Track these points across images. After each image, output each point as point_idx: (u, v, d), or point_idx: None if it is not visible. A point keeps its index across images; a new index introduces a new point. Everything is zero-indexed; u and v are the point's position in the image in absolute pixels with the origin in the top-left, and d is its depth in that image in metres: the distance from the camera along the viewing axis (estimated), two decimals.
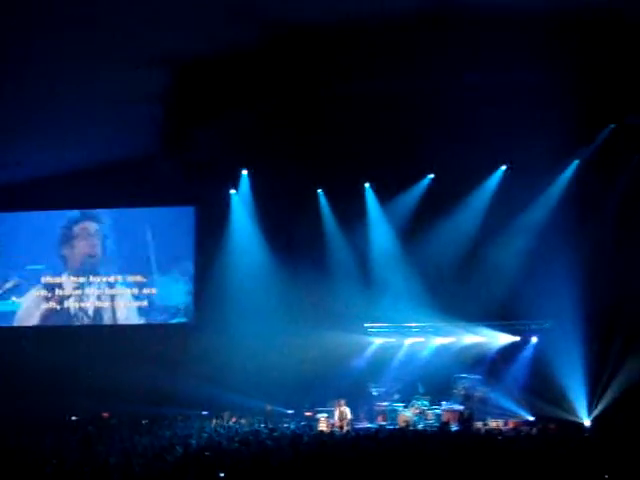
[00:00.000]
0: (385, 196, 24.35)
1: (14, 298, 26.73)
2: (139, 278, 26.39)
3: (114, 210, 26.72)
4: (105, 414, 19.92)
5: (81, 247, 26.85)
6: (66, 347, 24.94)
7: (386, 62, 18.67)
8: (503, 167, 23.55)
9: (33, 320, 26.70)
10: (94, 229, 26.89)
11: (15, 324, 26.71)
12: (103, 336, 25.62)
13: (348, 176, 23.26)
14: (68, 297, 26.64)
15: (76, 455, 14.09)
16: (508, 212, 23.00)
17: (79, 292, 26.67)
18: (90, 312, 26.55)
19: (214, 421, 21.70)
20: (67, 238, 26.88)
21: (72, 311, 26.64)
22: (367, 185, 24.66)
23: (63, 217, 26.93)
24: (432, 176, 24.05)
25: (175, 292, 26.26)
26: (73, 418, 19.80)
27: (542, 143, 21.02)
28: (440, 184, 23.67)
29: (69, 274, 26.74)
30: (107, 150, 23.42)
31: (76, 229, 26.89)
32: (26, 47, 16.46)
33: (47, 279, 26.73)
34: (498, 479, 10.80)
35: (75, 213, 26.93)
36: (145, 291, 26.34)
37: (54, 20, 15.58)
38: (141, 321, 26.36)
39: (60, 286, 26.67)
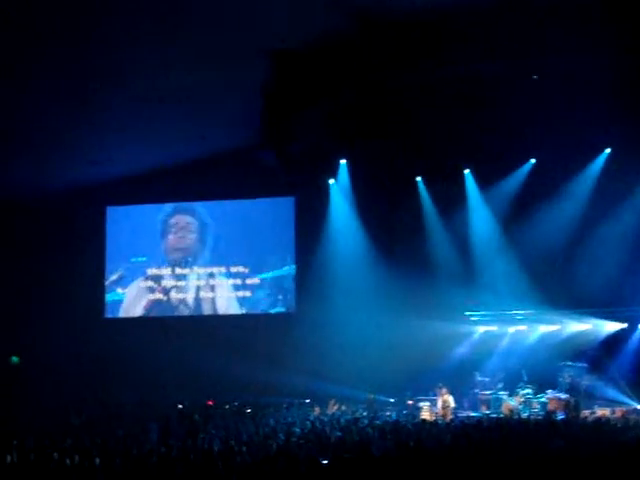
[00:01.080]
0: (485, 182, 24.02)
1: (119, 289, 27.45)
2: (240, 269, 26.72)
3: (214, 202, 27.12)
4: (210, 402, 20.22)
5: (174, 241, 27.37)
6: (170, 338, 25.47)
7: (480, 46, 18.35)
8: (607, 150, 22.90)
9: (137, 311, 27.39)
10: (186, 222, 27.35)
11: (120, 315, 27.43)
12: (206, 326, 26.03)
13: (447, 163, 23.10)
14: (169, 288, 27.20)
15: (182, 443, 14.35)
16: (613, 196, 22.42)
17: (179, 283, 27.22)
18: (190, 303, 27.06)
19: (317, 409, 21.81)
20: (164, 232, 27.46)
21: (173, 302, 27.22)
22: (467, 171, 24.36)
23: (160, 212, 27.51)
24: (534, 161, 23.57)
25: (276, 282, 26.49)
26: (179, 407, 20.15)
27: None
28: (542, 169, 23.19)
29: (169, 266, 27.29)
30: (208, 143, 23.73)
31: (171, 222, 27.44)
32: (126, 42, 16.78)
33: (150, 271, 27.37)
34: (609, 469, 10.52)
35: (171, 207, 27.47)
36: (247, 281, 26.64)
37: (154, 13, 15.87)
38: (242, 311, 26.74)
39: (161, 278, 27.28)
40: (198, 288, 27.04)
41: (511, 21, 17.56)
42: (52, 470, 10.99)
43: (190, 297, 27.06)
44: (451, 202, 24.11)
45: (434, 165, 23.24)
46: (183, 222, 27.38)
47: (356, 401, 22.49)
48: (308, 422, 17.66)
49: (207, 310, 26.97)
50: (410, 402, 22.56)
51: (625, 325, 23.04)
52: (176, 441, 14.50)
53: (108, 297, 27.47)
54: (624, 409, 21.00)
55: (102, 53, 17.06)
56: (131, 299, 27.38)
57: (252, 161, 23.16)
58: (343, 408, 21.98)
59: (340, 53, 18.69)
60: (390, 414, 20.75)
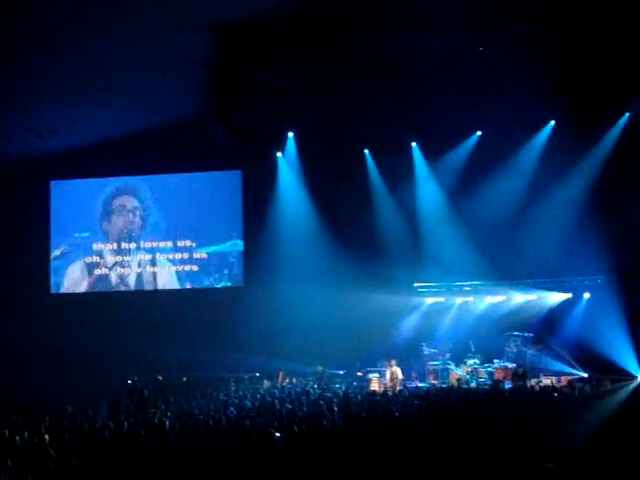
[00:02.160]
0: (432, 154, 24.16)
1: (62, 266, 27.11)
2: (187, 243, 26.57)
3: (160, 176, 26.86)
4: (159, 377, 20.14)
5: (119, 223, 27.10)
6: (114, 314, 25.25)
7: (425, 19, 18.36)
8: (552, 122, 23.14)
9: (80, 287, 27.10)
10: (132, 205, 27.08)
11: (63, 291, 27.14)
12: (154, 302, 25.86)
13: (395, 135, 23.11)
14: (114, 264, 26.97)
15: (132, 418, 14.31)
16: (557, 167, 22.66)
17: (124, 259, 26.99)
18: (135, 278, 26.86)
19: (266, 382, 21.87)
20: (107, 213, 27.17)
21: (116, 278, 26.98)
22: (414, 144, 24.46)
23: (104, 188, 27.20)
24: (480, 133, 23.75)
25: (223, 257, 26.41)
26: (129, 382, 20.05)
27: (590, 97, 20.69)
28: (488, 141, 23.36)
29: (113, 241, 27.05)
30: (154, 116, 23.46)
31: (114, 205, 27.15)
32: (70, 10, 16.44)
33: (94, 246, 27.08)
34: (554, 435, 10.74)
35: (114, 187, 27.14)
36: (194, 256, 26.51)
37: None
38: (189, 286, 26.59)
39: (105, 253, 27.03)
40: (143, 263, 26.84)
41: None
42: (1, 447, 10.88)
43: (134, 273, 26.85)
44: (398, 174, 24.19)
45: (381, 138, 23.26)
46: (128, 204, 27.07)
47: (305, 374, 22.58)
48: (258, 395, 17.70)
49: (152, 285, 26.80)
50: (359, 374, 22.75)
51: (570, 295, 23.38)
52: (126, 417, 14.45)
53: (52, 273, 27.12)
54: (569, 378, 21.39)
55: (46, 22, 16.67)
56: (75, 275, 27.08)
57: (199, 134, 22.95)
58: (294, 381, 22.06)
59: (287, 25, 18.51)
60: (339, 386, 20.87)
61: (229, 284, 26.39)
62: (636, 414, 12.78)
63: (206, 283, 26.54)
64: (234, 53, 19.16)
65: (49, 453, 10.39)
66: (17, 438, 11.35)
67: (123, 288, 26.87)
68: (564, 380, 21.22)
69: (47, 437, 11.59)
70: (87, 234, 27.06)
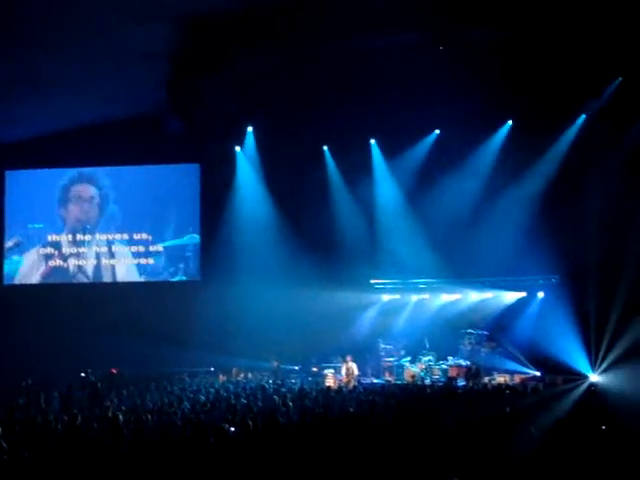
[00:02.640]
0: (391, 152, 24.23)
1: (15, 257, 26.82)
2: (143, 236, 26.40)
3: (117, 168, 26.67)
4: (113, 370, 20.02)
5: (76, 211, 26.80)
6: (68, 305, 24.96)
7: (389, 17, 18.44)
8: (509, 122, 23.36)
9: (34, 279, 26.81)
10: (89, 194, 26.81)
11: (17, 282, 26.82)
12: (107, 294, 25.60)
13: (353, 132, 23.16)
14: (69, 256, 26.70)
15: (86, 412, 14.20)
16: (515, 167, 22.88)
17: (79, 250, 26.72)
18: (90, 270, 26.62)
19: (222, 377, 21.82)
20: (64, 201, 26.86)
21: (73, 270, 26.73)
22: (373, 141, 24.55)
23: (61, 178, 26.88)
24: (438, 132, 23.90)
25: (179, 250, 26.28)
26: (82, 375, 19.89)
27: (548, 98, 20.90)
28: (446, 140, 23.51)
29: (69, 233, 26.77)
30: (112, 107, 23.31)
31: (72, 193, 26.85)
32: (31, 2, 16.30)
33: (49, 237, 26.78)
34: (504, 433, 10.85)
35: (72, 175, 26.85)
36: (150, 249, 26.36)
37: None
38: (144, 279, 26.42)
39: (60, 245, 26.72)
40: (98, 255, 26.60)
41: None
42: None
43: (90, 264, 26.60)
44: (357, 171, 24.26)
45: (341, 134, 23.29)
46: (85, 193, 26.80)
47: (261, 369, 22.57)
48: (213, 390, 17.66)
49: (107, 278, 26.57)
50: (315, 369, 22.80)
51: (524, 294, 23.65)
52: (80, 410, 14.33)
53: (5, 264, 26.79)
54: (523, 376, 21.62)
55: (5, 11, 16.49)
56: (29, 266, 26.76)
57: (157, 127, 22.85)
58: (249, 376, 22.05)
59: (247, 19, 18.49)
60: (295, 381, 20.88)
61: (184, 278, 26.27)
62: (587, 413, 12.95)
63: (162, 277, 26.39)
64: (194, 46, 19.13)
65: (0, 445, 10.29)
66: None
67: (79, 280, 26.59)
68: (517, 378, 21.46)
69: None
70: (41, 225, 26.73)
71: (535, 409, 12.90)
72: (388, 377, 22.48)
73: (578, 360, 21.43)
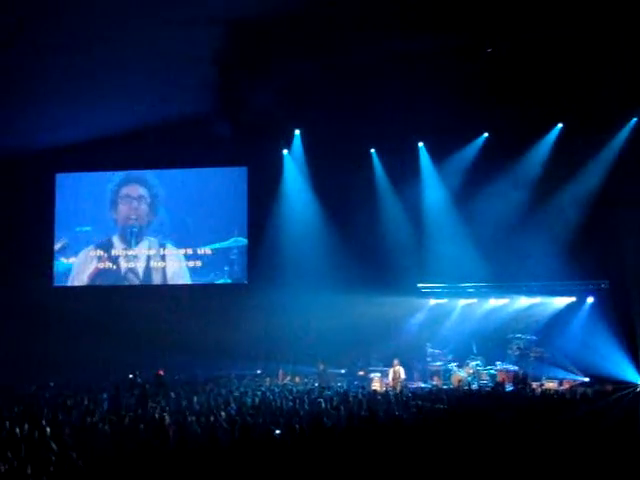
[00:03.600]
0: (439, 155, 24.08)
1: (63, 259, 27.14)
2: (191, 239, 26.54)
3: (165, 171, 26.89)
4: (161, 372, 20.11)
5: (126, 211, 27.08)
6: (118, 307, 25.17)
7: (439, 18, 18.34)
8: (559, 125, 23.09)
9: (85, 280, 27.12)
10: (138, 193, 27.08)
11: (69, 284, 27.13)
12: (157, 296, 25.79)
13: (401, 135, 23.06)
14: (119, 258, 26.97)
15: (133, 413, 14.29)
16: (565, 170, 22.61)
17: (129, 252, 26.97)
18: (140, 272, 26.86)
19: (268, 380, 21.84)
20: (114, 202, 27.15)
21: (122, 271, 26.97)
22: (421, 144, 24.41)
23: (110, 181, 27.20)
24: (486, 135, 23.68)
25: (227, 253, 26.36)
26: (130, 376, 20.03)
27: (599, 101, 20.63)
28: (494, 143, 23.29)
29: (118, 235, 27.03)
30: (160, 111, 23.44)
31: (121, 193, 27.15)
32: (81, 6, 16.46)
33: (98, 240, 27.06)
34: (553, 439, 10.70)
35: (121, 177, 27.16)
36: (198, 252, 26.49)
37: None
38: (192, 281, 26.55)
39: (111, 247, 27.00)
40: (148, 257, 26.83)
41: None
42: (2, 439, 10.88)
43: (140, 266, 26.85)
44: (405, 174, 24.14)
45: (388, 137, 23.20)
46: (134, 193, 27.09)
47: (307, 372, 22.55)
48: (259, 392, 17.68)
49: (157, 280, 26.79)
50: (361, 373, 22.71)
51: (574, 299, 23.33)
52: (127, 411, 14.44)
53: (56, 266, 27.13)
54: (571, 382, 21.34)
55: (55, 16, 16.68)
56: (79, 268, 27.08)
57: (205, 130, 22.97)
58: (296, 380, 22.04)
59: (295, 22, 18.50)
60: (341, 385, 20.83)
61: (229, 281, 26.34)
62: (636, 420, 12.74)
63: (208, 279, 26.49)
64: (241, 49, 19.18)
65: (49, 445, 10.40)
66: (17, 430, 11.34)
67: (128, 282, 26.84)
68: (566, 384, 21.18)
69: (48, 430, 11.59)
70: (89, 228, 27.08)
71: (586, 416, 12.72)
72: (436, 381, 22.30)
73: (627, 367, 21.11)
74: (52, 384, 19.83)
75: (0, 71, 19.54)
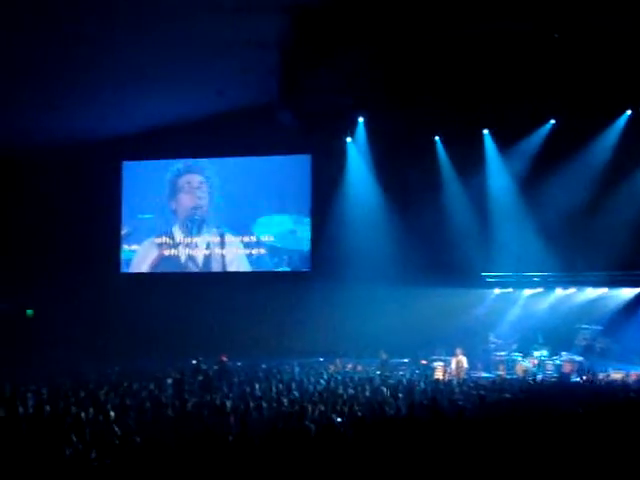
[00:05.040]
0: (504, 143, 23.74)
1: (126, 246, 27.51)
2: (253, 227, 26.66)
3: (226, 159, 27.05)
4: (224, 358, 20.25)
5: (187, 200, 27.31)
6: (182, 294, 25.45)
7: (501, 5, 18.06)
8: (628, 112, 22.60)
9: (146, 267, 27.45)
10: (197, 182, 27.29)
11: (131, 270, 27.53)
12: (219, 284, 25.96)
13: (466, 122, 22.80)
14: (180, 245, 27.24)
15: (197, 398, 14.42)
16: (633, 158, 22.13)
17: (190, 240, 27.22)
18: (201, 260, 27.07)
19: (331, 367, 21.85)
20: (173, 191, 27.41)
21: (184, 259, 27.24)
22: (486, 131, 24.12)
23: (170, 170, 27.43)
24: (553, 122, 23.29)
25: (292, 240, 26.44)
26: (193, 362, 20.24)
27: None
28: (562, 130, 22.89)
29: (179, 223, 27.29)
30: (224, 99, 23.54)
31: (180, 182, 27.39)
32: None
33: (160, 228, 27.40)
34: (618, 432, 10.48)
35: (179, 167, 27.38)
36: (261, 239, 26.60)
37: None
38: (254, 269, 26.68)
39: (172, 235, 27.27)
40: (208, 245, 27.04)
41: None
42: (67, 423, 11.04)
43: (200, 254, 27.08)
44: (469, 162, 23.85)
45: (453, 124, 22.96)
46: (194, 182, 27.32)
47: (369, 361, 22.51)
48: (322, 380, 17.70)
49: (217, 267, 27.01)
50: (424, 362, 22.57)
51: None
52: (190, 396, 14.58)
53: (123, 253, 27.54)
54: (638, 373, 20.93)
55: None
56: (142, 255, 27.49)
57: (268, 118, 22.99)
58: (359, 368, 22.01)
59: (358, 8, 18.40)
60: (403, 373, 20.74)
61: (297, 269, 26.38)
62: None
63: (268, 267, 26.60)
64: (304, 36, 19.14)
65: (114, 430, 10.54)
66: (82, 414, 11.51)
67: (191, 269, 27.10)
68: (633, 375, 20.77)
69: (112, 414, 11.75)
70: (151, 215, 27.43)
71: None
72: (500, 371, 22.06)
73: None
74: (117, 369, 20.10)
75: (71, 61, 19.84)
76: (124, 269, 27.54)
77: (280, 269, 26.42)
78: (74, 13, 17.04)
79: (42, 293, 25.74)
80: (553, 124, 23.29)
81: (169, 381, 17.01)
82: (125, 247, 27.52)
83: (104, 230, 26.96)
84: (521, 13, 18.43)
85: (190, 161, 27.38)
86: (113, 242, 27.39)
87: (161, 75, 21.29)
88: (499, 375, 21.20)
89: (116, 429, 10.53)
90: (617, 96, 21.14)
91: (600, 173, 22.61)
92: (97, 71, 20.61)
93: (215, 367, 19.27)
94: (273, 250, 26.56)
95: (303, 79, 21.38)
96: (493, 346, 23.03)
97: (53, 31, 18.00)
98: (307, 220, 26.21)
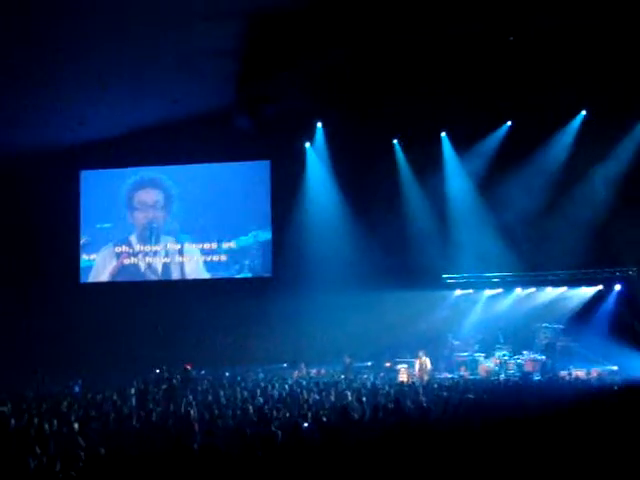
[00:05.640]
0: (462, 144, 23.92)
1: (84, 256, 27.24)
2: (213, 234, 26.55)
3: (184, 167, 26.84)
4: (188, 366, 20.15)
5: (142, 218, 27.10)
6: (142, 303, 25.21)
7: (460, 7, 18.20)
8: (583, 112, 22.88)
9: (105, 276, 27.20)
10: (153, 199, 27.05)
11: (90, 280, 27.27)
12: (179, 292, 25.82)
13: (424, 125, 22.93)
14: (139, 254, 27.00)
15: (161, 407, 14.34)
16: (589, 158, 22.41)
17: (148, 249, 26.99)
18: (159, 268, 26.86)
19: (295, 373, 21.85)
20: (129, 207, 27.19)
21: (143, 268, 27.00)
22: (443, 134, 24.28)
23: (126, 181, 27.22)
24: (509, 123, 23.52)
25: (253, 246, 26.34)
26: (157, 371, 20.11)
27: (623, 87, 20.43)
28: (519, 131, 23.12)
29: (138, 233, 27.08)
30: (182, 106, 23.42)
31: (136, 199, 27.11)
32: (101, 5, 16.49)
33: (118, 237, 27.15)
34: (582, 430, 10.59)
35: (135, 180, 27.12)
36: (222, 246, 26.48)
37: None
38: (214, 276, 26.53)
39: (130, 244, 27.05)
40: (167, 253, 26.83)
41: None
42: (31, 435, 10.92)
43: (160, 263, 26.86)
44: (428, 164, 23.98)
45: (411, 127, 23.08)
46: (149, 199, 27.04)
47: (333, 365, 22.53)
48: (286, 385, 17.69)
49: (177, 276, 26.77)
50: (387, 365, 22.66)
51: (601, 287, 23.17)
52: (155, 406, 14.48)
53: (81, 262, 27.25)
54: (599, 370, 21.18)
55: (75, 10, 16.71)
56: (101, 265, 27.16)
57: (227, 125, 22.94)
58: (322, 372, 22.03)
59: (315, 14, 18.42)
60: (367, 377, 20.80)
61: (258, 274, 26.29)
62: None
63: (228, 274, 26.46)
64: (262, 43, 19.12)
65: (78, 441, 10.43)
66: (46, 426, 11.39)
67: (151, 277, 26.90)
68: (594, 373, 21.02)
69: (76, 425, 11.64)
70: (110, 225, 27.15)
71: (612, 404, 12.60)
72: (463, 372, 22.22)
73: None
74: (80, 380, 19.92)
75: (27, 70, 19.62)
76: (83, 279, 27.22)
77: (241, 276, 26.32)
78: (26, 22, 16.87)
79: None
80: (509, 125, 23.52)
81: (132, 391, 16.88)
82: (84, 257, 27.22)
83: (62, 240, 26.64)
84: (476, 16, 18.57)
85: (146, 173, 27.10)
86: (72, 252, 27.07)
87: (118, 83, 21.10)
88: (462, 376, 21.37)
89: (80, 441, 10.42)
90: (572, 97, 21.35)
91: (557, 173, 22.86)
92: (54, 81, 20.40)
93: (179, 376, 19.14)
94: (234, 257, 26.43)
95: (260, 85, 21.37)
96: (455, 347, 23.16)
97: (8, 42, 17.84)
98: (268, 226, 26.14)
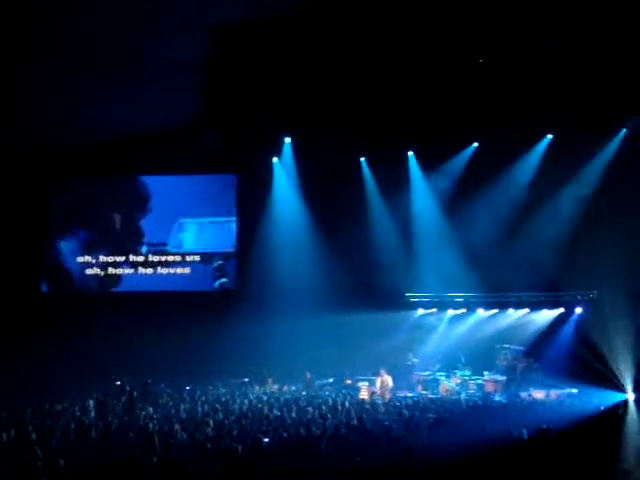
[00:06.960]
0: (429, 164, 24.10)
1: (54, 264, 27.00)
2: (179, 246, 26.45)
3: (154, 178, 26.74)
4: (149, 380, 20.00)
5: (112, 221, 26.95)
6: (105, 314, 24.98)
7: (430, 28, 18.39)
8: (549, 136, 23.15)
9: (71, 288, 27.00)
10: (118, 220, 26.92)
11: (53, 291, 27.03)
12: (145, 303, 25.62)
13: (391, 144, 23.06)
14: (102, 265, 26.83)
15: (120, 420, 14.22)
16: (554, 180, 22.64)
17: (112, 260, 26.85)
18: (123, 280, 26.72)
19: (256, 388, 21.77)
20: (98, 216, 27.03)
21: (106, 279, 26.81)
22: (410, 153, 24.43)
23: (98, 190, 27.09)
24: (476, 145, 23.73)
25: (218, 260, 26.27)
26: (117, 383, 19.93)
27: (588, 112, 20.68)
28: (485, 153, 23.33)
29: (107, 242, 26.93)
30: (149, 118, 23.36)
31: (108, 202, 27.00)
32: (67, 15, 16.44)
33: (87, 247, 26.95)
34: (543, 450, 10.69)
35: (105, 190, 27.06)
36: (187, 259, 26.38)
37: None
38: (181, 289, 26.37)
39: (99, 253, 26.89)
40: (132, 265, 26.70)
41: None
42: None
43: (124, 274, 26.72)
44: (394, 183, 24.11)
45: (378, 146, 23.20)
46: (116, 219, 26.96)
47: (294, 381, 22.48)
48: (247, 400, 17.62)
49: (140, 287, 26.60)
50: (348, 382, 22.63)
51: (562, 310, 23.37)
52: (114, 417, 14.37)
53: (44, 273, 27.02)
54: (558, 392, 21.31)
55: (44, 23, 16.67)
56: (65, 275, 26.94)
57: (195, 138, 22.92)
58: (284, 388, 21.97)
59: (284, 30, 18.51)
60: (329, 394, 20.75)
61: (223, 287, 26.22)
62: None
63: (196, 287, 26.35)
64: (231, 57, 19.16)
65: (36, 451, 10.32)
66: (4, 436, 11.26)
67: (114, 289, 26.71)
68: (553, 395, 21.15)
69: (34, 435, 11.52)
70: (75, 235, 26.96)
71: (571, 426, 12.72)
72: (421, 391, 22.24)
73: (617, 379, 21.06)
74: (39, 390, 19.68)
75: None
76: (47, 289, 26.96)
77: (205, 289, 26.21)
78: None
79: None
80: (476, 146, 23.73)
81: (92, 403, 16.73)
82: (48, 267, 26.97)
83: (27, 250, 26.37)
84: (446, 38, 18.76)
85: (117, 183, 27.05)
86: (34, 262, 26.80)
87: (86, 94, 21.02)
88: (421, 394, 21.40)
89: (38, 451, 10.31)
90: (538, 120, 21.59)
91: (522, 195, 23.07)
92: (20, 88, 20.29)
93: (139, 389, 19.01)
94: (198, 270, 26.33)
95: (229, 99, 21.39)
96: (416, 365, 23.22)
97: None
98: (233, 240, 26.08)
